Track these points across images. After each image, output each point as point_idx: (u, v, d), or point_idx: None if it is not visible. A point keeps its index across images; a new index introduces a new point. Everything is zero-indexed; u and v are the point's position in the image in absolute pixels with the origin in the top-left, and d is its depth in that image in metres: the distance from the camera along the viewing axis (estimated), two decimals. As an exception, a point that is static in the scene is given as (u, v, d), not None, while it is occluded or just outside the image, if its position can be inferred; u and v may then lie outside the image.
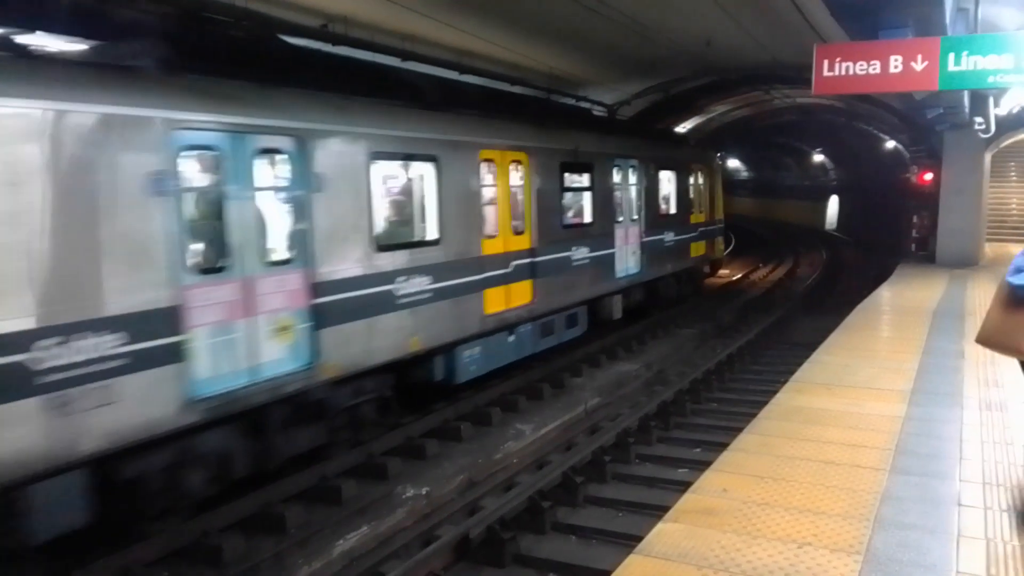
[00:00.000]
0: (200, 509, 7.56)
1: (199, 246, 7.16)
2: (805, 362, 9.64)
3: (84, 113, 6.11)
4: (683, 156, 18.95)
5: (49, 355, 5.76)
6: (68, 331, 5.89)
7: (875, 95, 17.56)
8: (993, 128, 17.88)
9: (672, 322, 17.90)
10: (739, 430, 7.19)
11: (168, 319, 6.61)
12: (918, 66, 8.09)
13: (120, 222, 6.31)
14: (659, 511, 5.70)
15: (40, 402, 5.74)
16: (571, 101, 17.70)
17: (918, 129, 21.39)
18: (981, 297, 14.77)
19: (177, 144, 6.77)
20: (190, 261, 6.94)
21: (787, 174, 42.18)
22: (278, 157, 7.92)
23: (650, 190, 16.57)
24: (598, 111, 19.15)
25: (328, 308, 8.20)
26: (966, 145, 19.58)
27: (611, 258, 14.82)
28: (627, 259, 15.54)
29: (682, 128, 25.18)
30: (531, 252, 12.07)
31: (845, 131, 32.41)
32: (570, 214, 13.76)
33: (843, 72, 8.28)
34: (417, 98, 10.49)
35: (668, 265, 17.73)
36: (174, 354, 6.66)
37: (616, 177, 15.03)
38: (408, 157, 9.84)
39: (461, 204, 10.48)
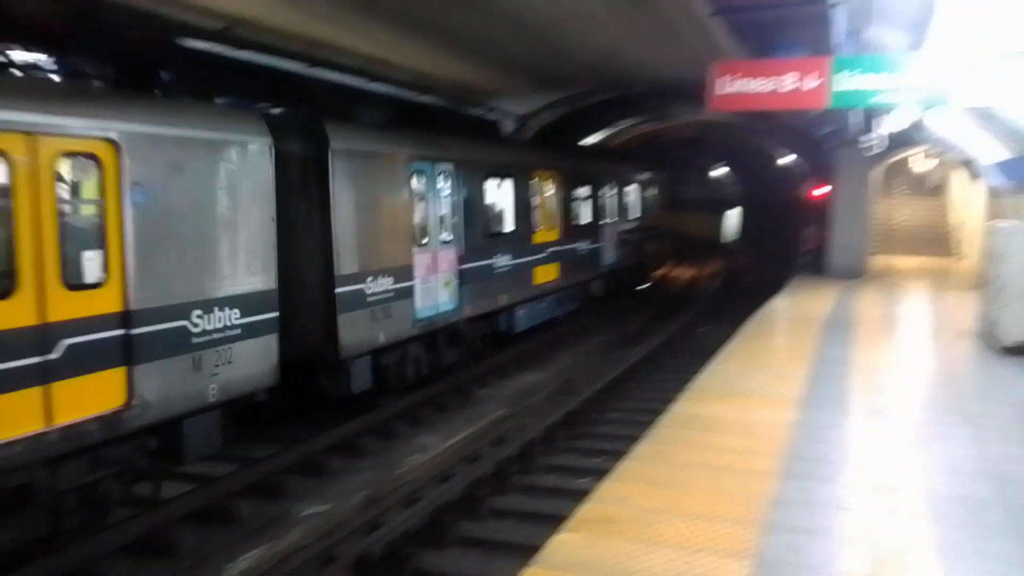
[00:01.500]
0: (87, 532, 7.19)
1: (418, 228, 11.77)
2: (702, 371, 9.88)
3: (383, 154, 11.18)
4: (640, 175, 24.13)
5: (368, 287, 10.51)
6: (375, 274, 10.64)
7: (771, 112, 18.23)
8: (879, 145, 18.81)
9: (579, 332, 18.12)
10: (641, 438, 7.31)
11: (408, 271, 11.43)
12: (810, 84, 8.43)
13: (392, 214, 11.14)
14: (562, 521, 5.70)
15: (366, 312, 10.48)
16: (480, 112, 17.74)
17: (812, 145, 22.32)
18: (867, 308, 15.50)
19: (411, 170, 11.58)
20: (414, 238, 11.62)
21: (689, 188, 43.36)
22: (447, 176, 12.60)
23: (621, 200, 21.73)
24: (508, 122, 19.27)
25: (466, 272, 13.06)
26: (854, 161, 20.54)
27: (599, 250, 19.84)
28: (608, 251, 20.45)
29: (588, 141, 25.54)
30: (558, 242, 16.97)
31: (744, 146, 33.51)
32: (577, 216, 18.40)
33: (739, 89, 8.57)
34: (501, 137, 16.99)
35: (631, 258, 22.63)
36: (409, 292, 11.44)
37: (602, 190, 20.12)
38: (499, 175, 14.59)
39: (523, 207, 15.38)
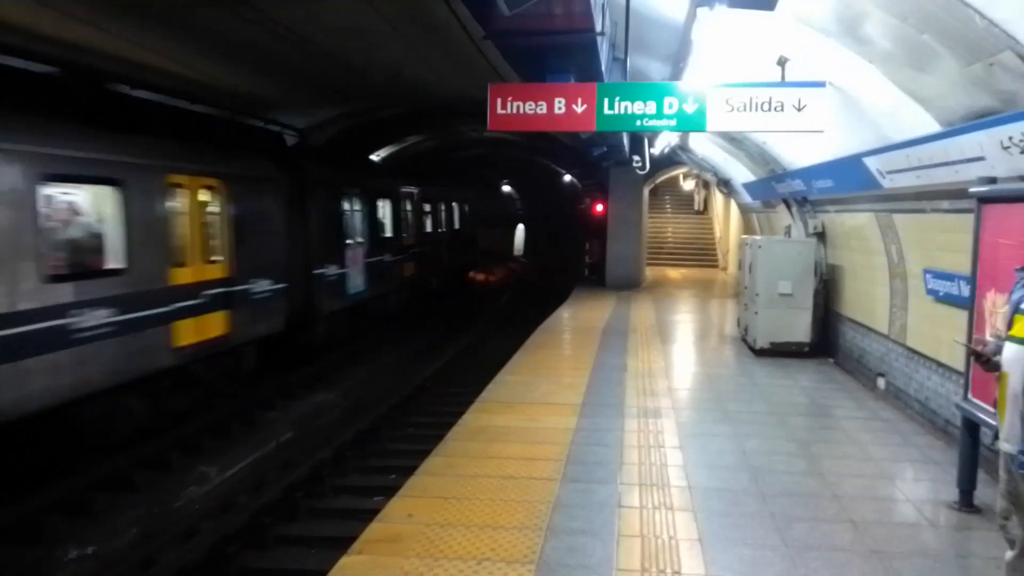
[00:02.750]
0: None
1: (346, 232, 17.01)
2: (490, 382, 10.10)
3: (332, 183, 16.63)
4: (463, 195, 30.73)
5: (327, 271, 15.82)
6: (329, 262, 15.88)
7: (549, 132, 19.04)
8: (648, 166, 20.24)
9: (372, 349, 17.92)
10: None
11: (343, 261, 16.50)
12: (579, 108, 8.88)
13: (334, 222, 16.44)
14: (352, 543, 5.59)
15: (326, 287, 15.73)
16: (260, 123, 17.12)
17: (589, 165, 23.56)
18: (642, 316, 16.57)
19: (342, 192, 16.94)
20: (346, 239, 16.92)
21: (483, 203, 44.38)
22: (358, 198, 17.70)
23: (449, 215, 27.81)
24: (289, 135, 18.74)
25: (369, 265, 18.04)
26: (628, 180, 21.97)
27: (439, 254, 25.90)
28: (444, 255, 26.51)
29: (376, 156, 25.41)
30: (415, 247, 22.39)
31: (529, 164, 34.77)
32: (425, 227, 23.99)
33: (515, 110, 8.86)
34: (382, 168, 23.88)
35: (458, 260, 29.04)
36: (345, 276, 16.58)
37: (440, 207, 26.28)
38: (384, 196, 19.93)
39: (396, 219, 20.59)
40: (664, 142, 19.10)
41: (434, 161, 30.15)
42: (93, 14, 10.40)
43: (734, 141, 14.91)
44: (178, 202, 10.86)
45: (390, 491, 8.88)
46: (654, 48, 11.86)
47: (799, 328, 12.47)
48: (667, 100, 9.04)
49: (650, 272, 25.68)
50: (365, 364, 16.70)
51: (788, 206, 14.82)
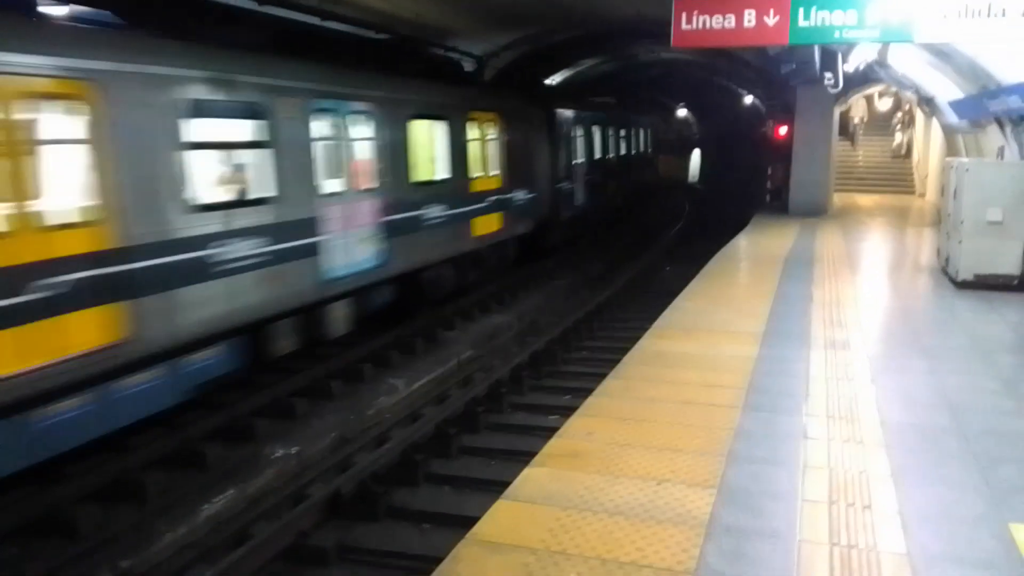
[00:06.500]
0: (48, 480, 7.16)
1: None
2: (666, 309, 9.98)
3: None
4: (646, 120, 31.96)
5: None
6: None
7: (732, 50, 18.11)
8: (842, 83, 18.84)
9: (544, 274, 18.17)
10: (607, 376, 7.40)
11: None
12: (770, 20, 8.38)
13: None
14: (531, 457, 5.79)
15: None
16: (440, 51, 17.42)
17: (773, 84, 22.29)
18: (829, 245, 15.73)
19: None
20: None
21: (656, 128, 43.24)
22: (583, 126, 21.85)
23: (634, 140, 29.03)
24: (467, 62, 18.96)
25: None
26: (817, 100, 20.57)
27: (629, 171, 28.52)
28: (634, 174, 29.16)
29: (551, 81, 25.28)
30: (615, 167, 25.78)
31: (706, 86, 33.40)
32: (620, 150, 26.87)
33: (701, 26, 8.48)
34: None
35: (642, 179, 30.89)
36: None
37: (631, 132, 28.57)
38: (595, 124, 23.26)
39: (596, 143, 23.08)
40: (860, 58, 17.65)
41: (612, 86, 29.59)
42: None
43: (940, 55, 13.54)
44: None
45: (565, 411, 9.14)
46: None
47: (1008, 259, 11.38)
48: (870, 9, 8.34)
49: (838, 198, 24.20)
50: (538, 289, 16.96)
51: (1001, 126, 13.40)
